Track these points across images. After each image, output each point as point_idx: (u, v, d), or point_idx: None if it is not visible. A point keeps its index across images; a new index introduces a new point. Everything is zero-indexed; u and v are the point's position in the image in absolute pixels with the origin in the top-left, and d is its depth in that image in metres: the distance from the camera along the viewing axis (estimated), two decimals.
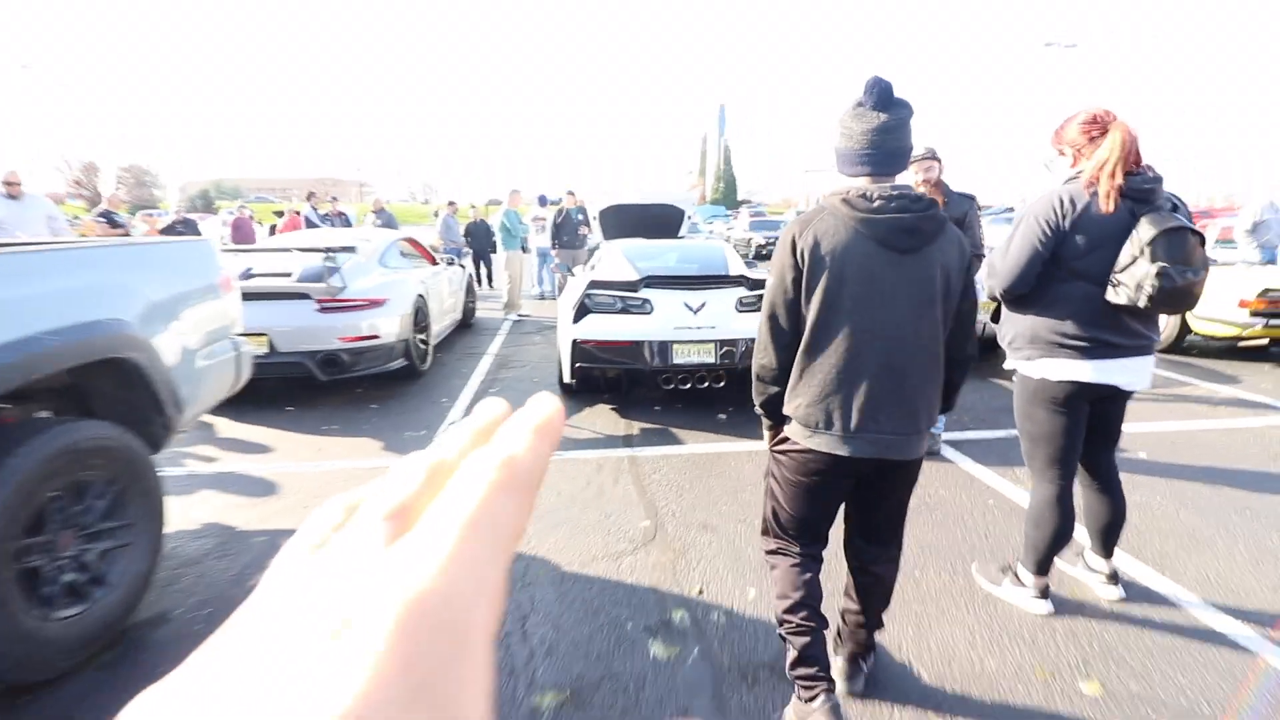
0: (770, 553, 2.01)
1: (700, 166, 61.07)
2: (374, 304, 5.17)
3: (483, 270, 12.64)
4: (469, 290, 8.50)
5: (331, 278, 5.03)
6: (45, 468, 2.09)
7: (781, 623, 1.91)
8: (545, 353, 6.91)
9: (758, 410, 1.94)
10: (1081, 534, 2.58)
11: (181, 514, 3.32)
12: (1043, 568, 2.44)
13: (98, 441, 2.30)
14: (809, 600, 1.88)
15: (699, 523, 3.22)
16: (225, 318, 3.15)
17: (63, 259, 2.33)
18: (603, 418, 4.81)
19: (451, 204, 13.45)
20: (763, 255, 19.12)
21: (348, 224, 10.93)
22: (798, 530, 1.94)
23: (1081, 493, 2.50)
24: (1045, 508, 2.38)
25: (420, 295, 5.91)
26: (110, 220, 9.91)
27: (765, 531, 2.03)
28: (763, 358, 1.83)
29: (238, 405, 5.15)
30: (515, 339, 7.79)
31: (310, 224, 10.44)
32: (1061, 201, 2.17)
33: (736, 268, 5.25)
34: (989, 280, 2.37)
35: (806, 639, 1.85)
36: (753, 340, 4.73)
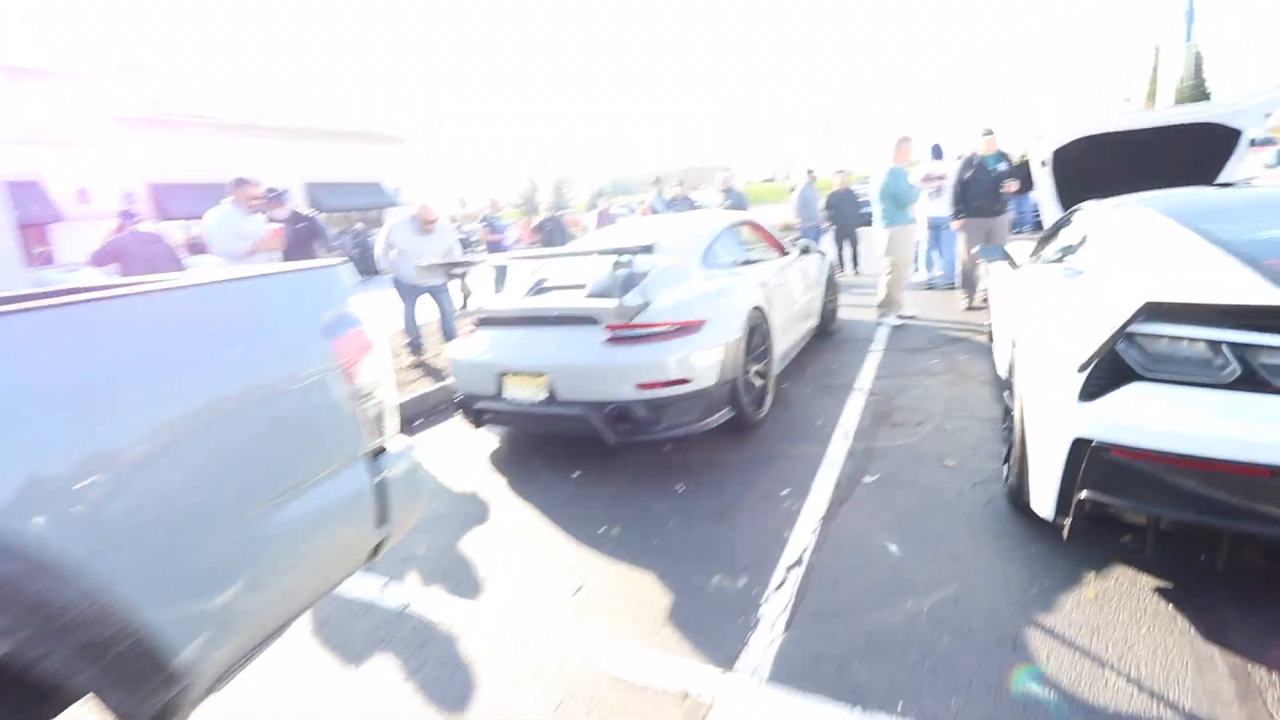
0: None
1: (1149, 88, 44.17)
2: (686, 329, 3.36)
3: (846, 251, 10.15)
4: (830, 284, 6.23)
5: (627, 293, 3.38)
6: None
7: None
8: (953, 394, 4.25)
9: None
10: None
11: None
12: None
13: None
14: None
15: None
16: (353, 415, 1.61)
17: None
18: (1151, 628, 2.04)
19: (810, 173, 11.14)
20: None
21: (693, 208, 9.72)
22: None
23: None
24: None
25: (758, 307, 3.92)
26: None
27: None
28: None
29: (509, 459, 3.70)
30: (898, 359, 5.23)
31: (657, 213, 9.50)
32: None
33: None
34: None
35: None
36: None
